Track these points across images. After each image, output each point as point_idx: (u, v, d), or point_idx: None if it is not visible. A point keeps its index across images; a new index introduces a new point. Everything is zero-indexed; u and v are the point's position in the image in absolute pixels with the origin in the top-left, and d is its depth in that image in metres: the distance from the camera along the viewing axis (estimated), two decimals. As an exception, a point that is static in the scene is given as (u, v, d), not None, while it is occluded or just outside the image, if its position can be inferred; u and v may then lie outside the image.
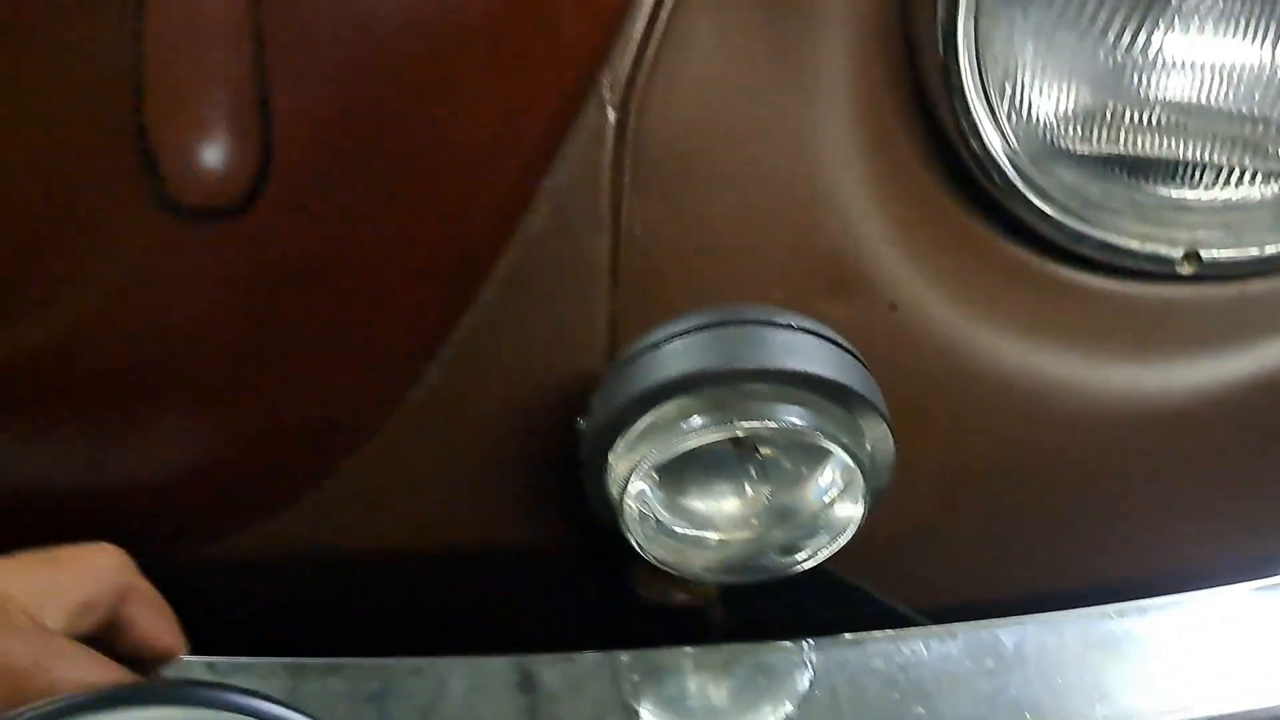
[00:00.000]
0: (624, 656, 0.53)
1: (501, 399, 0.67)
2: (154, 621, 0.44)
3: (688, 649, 0.54)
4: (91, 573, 0.42)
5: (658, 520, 0.51)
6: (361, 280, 0.61)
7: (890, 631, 0.55)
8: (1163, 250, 0.63)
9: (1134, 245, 0.63)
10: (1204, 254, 0.63)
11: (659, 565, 0.53)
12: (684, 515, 0.53)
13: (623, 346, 0.52)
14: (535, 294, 0.65)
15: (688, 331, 0.48)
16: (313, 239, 0.58)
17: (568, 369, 0.66)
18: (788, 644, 0.54)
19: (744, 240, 0.63)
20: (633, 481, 0.49)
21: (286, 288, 0.59)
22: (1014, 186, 0.61)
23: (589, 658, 0.53)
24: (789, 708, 0.52)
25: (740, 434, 0.47)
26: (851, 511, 0.51)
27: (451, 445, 0.68)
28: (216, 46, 0.53)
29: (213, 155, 0.54)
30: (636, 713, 0.52)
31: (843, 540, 0.51)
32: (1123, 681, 0.56)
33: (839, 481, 0.50)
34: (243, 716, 0.34)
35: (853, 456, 0.48)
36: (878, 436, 0.49)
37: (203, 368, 0.62)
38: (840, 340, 0.49)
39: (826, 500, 0.51)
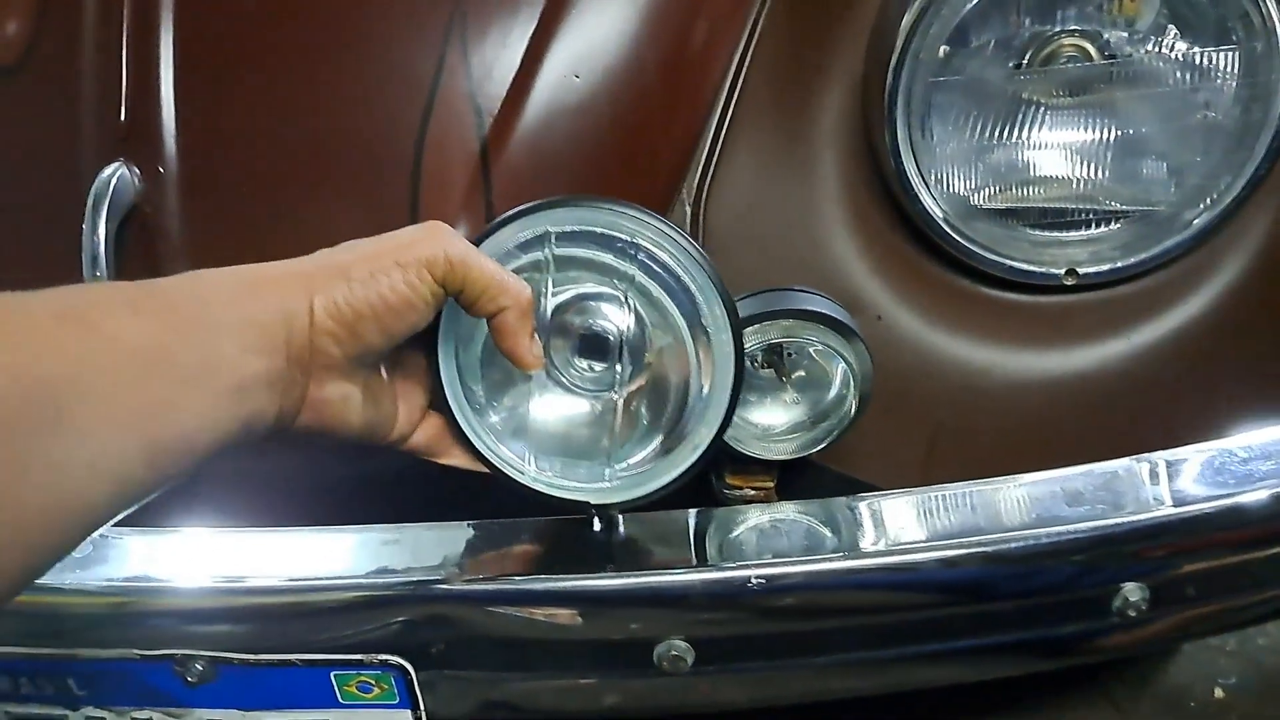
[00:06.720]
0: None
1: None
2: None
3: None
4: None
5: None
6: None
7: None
8: (1052, 270, 0.97)
9: (1034, 268, 0.97)
10: (1080, 270, 0.97)
11: (747, 455, 0.85)
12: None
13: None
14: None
15: (752, 294, 0.83)
16: None
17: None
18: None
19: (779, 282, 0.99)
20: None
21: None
22: (948, 234, 0.96)
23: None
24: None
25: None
26: (851, 405, 0.84)
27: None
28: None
29: None
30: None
31: (846, 424, 0.84)
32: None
33: (841, 385, 0.83)
34: None
35: (846, 361, 0.81)
36: (860, 352, 0.82)
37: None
38: (832, 299, 0.84)
39: (833, 396, 0.84)
